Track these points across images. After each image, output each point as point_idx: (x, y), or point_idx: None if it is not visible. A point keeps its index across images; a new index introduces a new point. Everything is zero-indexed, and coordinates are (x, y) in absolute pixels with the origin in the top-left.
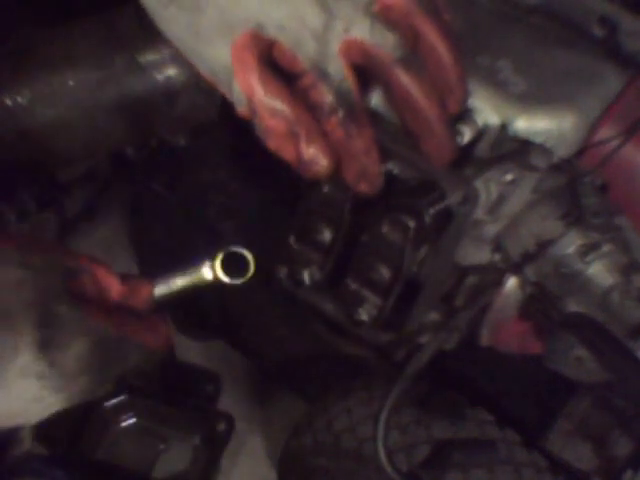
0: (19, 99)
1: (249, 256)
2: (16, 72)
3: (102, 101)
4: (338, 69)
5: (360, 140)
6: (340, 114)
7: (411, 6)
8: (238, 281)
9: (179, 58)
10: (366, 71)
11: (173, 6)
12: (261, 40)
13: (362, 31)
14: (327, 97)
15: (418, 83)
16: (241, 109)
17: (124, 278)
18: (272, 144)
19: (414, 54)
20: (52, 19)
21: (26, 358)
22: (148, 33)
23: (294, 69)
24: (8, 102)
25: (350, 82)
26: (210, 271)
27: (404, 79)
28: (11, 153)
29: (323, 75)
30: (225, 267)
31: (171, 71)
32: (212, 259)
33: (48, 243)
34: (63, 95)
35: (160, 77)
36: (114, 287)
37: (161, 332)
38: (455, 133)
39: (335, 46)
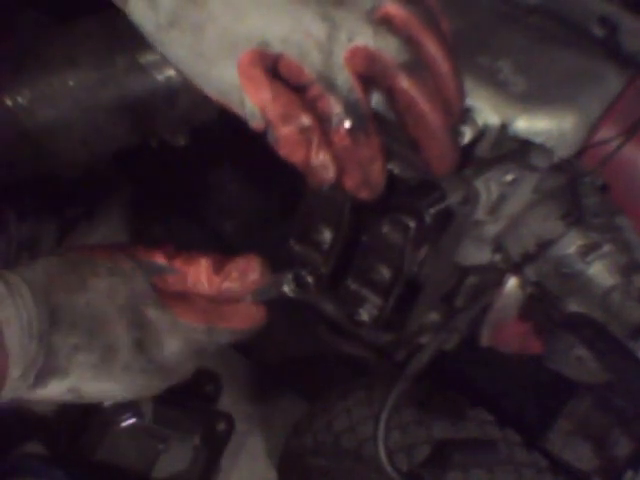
0: (19, 99)
1: (309, 277)
2: (17, 72)
3: (102, 101)
4: (345, 79)
5: (367, 149)
6: (348, 124)
7: (410, 17)
8: (302, 296)
9: None
10: (369, 78)
11: (174, 29)
12: (266, 56)
13: (366, 38)
14: (335, 107)
15: (421, 88)
16: (255, 123)
17: (217, 269)
18: (284, 151)
19: (418, 59)
20: (52, 19)
21: (126, 356)
22: None
23: (301, 81)
24: (8, 102)
25: (357, 92)
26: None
27: (407, 83)
28: (11, 153)
29: (330, 86)
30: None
31: (171, 71)
32: (279, 274)
33: (134, 247)
34: (63, 95)
35: (160, 77)
36: (205, 283)
37: (252, 313)
38: (458, 140)
39: (340, 56)
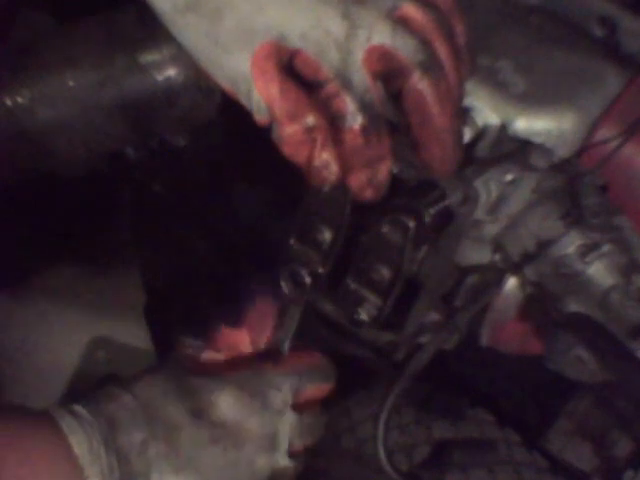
0: (19, 99)
1: (306, 275)
2: (16, 72)
3: (102, 101)
4: (361, 79)
5: (377, 149)
6: (362, 123)
7: (428, 22)
8: (299, 295)
9: (179, 58)
10: (381, 77)
11: (191, 13)
12: (282, 50)
13: (383, 36)
14: (350, 106)
15: (434, 89)
16: (260, 117)
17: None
18: (288, 149)
19: (433, 61)
20: (52, 19)
21: (189, 429)
22: (148, 33)
23: (317, 78)
24: (8, 102)
25: (373, 92)
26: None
27: (420, 83)
28: (11, 153)
29: (347, 85)
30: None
31: (171, 71)
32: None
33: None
34: (63, 95)
35: (160, 77)
36: (240, 345)
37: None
38: (461, 144)
39: (359, 55)
